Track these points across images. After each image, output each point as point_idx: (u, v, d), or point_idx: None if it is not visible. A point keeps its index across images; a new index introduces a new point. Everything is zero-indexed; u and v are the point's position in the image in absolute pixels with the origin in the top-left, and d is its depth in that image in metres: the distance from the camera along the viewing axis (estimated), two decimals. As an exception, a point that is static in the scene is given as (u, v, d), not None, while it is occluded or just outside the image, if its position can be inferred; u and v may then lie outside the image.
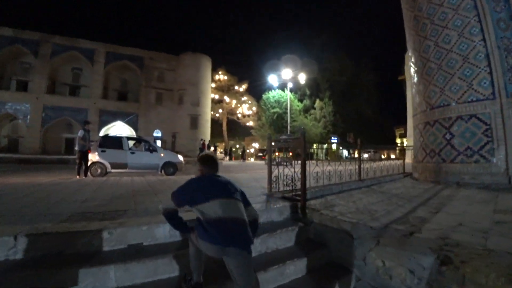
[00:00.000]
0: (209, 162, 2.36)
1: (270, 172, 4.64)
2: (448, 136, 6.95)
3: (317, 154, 40.98)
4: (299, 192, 4.16)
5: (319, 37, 46.16)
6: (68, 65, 28.30)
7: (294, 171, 4.46)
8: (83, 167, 8.39)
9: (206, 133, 32.36)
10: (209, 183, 2.16)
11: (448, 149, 6.93)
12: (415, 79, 8.04)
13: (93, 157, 8.97)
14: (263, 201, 4.19)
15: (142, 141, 10.68)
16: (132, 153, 9.63)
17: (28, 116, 25.21)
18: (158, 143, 29.17)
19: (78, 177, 8.10)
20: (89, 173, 8.60)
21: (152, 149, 10.20)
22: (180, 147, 29.12)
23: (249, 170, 13.33)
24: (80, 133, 8.30)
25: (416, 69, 7.93)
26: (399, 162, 9.78)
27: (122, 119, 28.30)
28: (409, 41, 8.36)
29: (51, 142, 26.70)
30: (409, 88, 20.83)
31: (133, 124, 28.57)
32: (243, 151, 32.92)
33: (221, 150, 45.00)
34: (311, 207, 3.98)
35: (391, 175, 8.14)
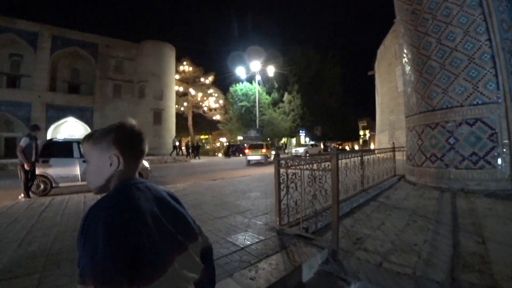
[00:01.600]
0: (136, 140, 0.97)
1: (279, 199, 3.47)
2: (451, 141, 6.36)
3: (286, 147, 40.96)
4: (311, 221, 3.29)
5: (286, 28, 45.29)
6: (5, 50, 24.12)
7: (303, 190, 3.39)
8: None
9: (171, 128, 30.15)
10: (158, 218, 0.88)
11: (452, 154, 6.35)
12: (412, 77, 7.34)
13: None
14: (277, 246, 3.04)
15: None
16: (84, 161, 7.88)
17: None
18: (118, 140, 26.58)
19: (26, 198, 6.48)
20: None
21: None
22: (143, 145, 26.89)
23: (223, 172, 12.30)
24: (23, 141, 6.44)
25: (413, 66, 7.22)
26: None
27: (74, 115, 25.11)
28: (405, 36, 7.61)
29: (-14, 143, 22.94)
30: (378, 83, 20.73)
31: (87, 121, 25.51)
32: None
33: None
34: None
35: (386, 180, 7.48)
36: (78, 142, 8.35)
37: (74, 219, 4.26)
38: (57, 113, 24.29)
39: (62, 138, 9.44)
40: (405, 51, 7.69)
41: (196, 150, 29.62)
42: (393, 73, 16.28)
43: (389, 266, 2.67)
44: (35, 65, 23.89)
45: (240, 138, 38.37)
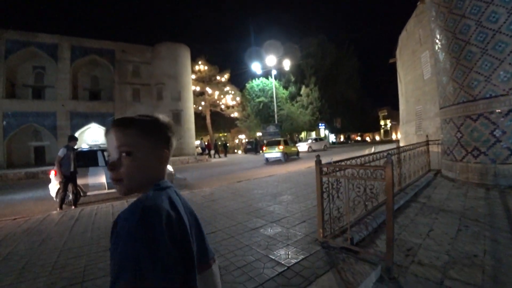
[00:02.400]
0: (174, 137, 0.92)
1: (322, 209, 3.15)
2: (497, 133, 5.75)
3: (306, 140, 40.37)
4: (354, 230, 3.02)
5: (300, 21, 44.40)
6: (28, 64, 25.03)
7: (347, 196, 3.06)
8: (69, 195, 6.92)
9: (190, 129, 30.32)
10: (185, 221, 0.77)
11: (498, 148, 5.74)
12: (447, 65, 6.71)
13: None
14: (324, 263, 2.73)
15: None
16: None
17: (-13, 127, 22.14)
18: (139, 143, 27.02)
19: (59, 209, 6.50)
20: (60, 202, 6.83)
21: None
22: (163, 147, 27.22)
23: (246, 171, 11.90)
24: (61, 152, 6.54)
25: (449, 53, 6.58)
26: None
27: (97, 121, 25.71)
28: (437, 20, 6.97)
29: (18, 153, 23.83)
30: (401, 72, 19.69)
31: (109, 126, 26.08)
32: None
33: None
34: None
35: (422, 176, 6.94)
36: (103, 150, 8.35)
37: (104, 234, 4.14)
38: (80, 121, 24.93)
39: (87, 147, 9.48)
40: (437, 36, 7.05)
41: (224, 148, 30.94)
42: (417, 60, 15.35)
43: (452, 285, 2.33)
44: (57, 76, 24.57)
45: (259, 134, 38.11)
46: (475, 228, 3.54)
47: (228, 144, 32.64)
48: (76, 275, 2.84)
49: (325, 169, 3.13)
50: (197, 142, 31.92)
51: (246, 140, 41.24)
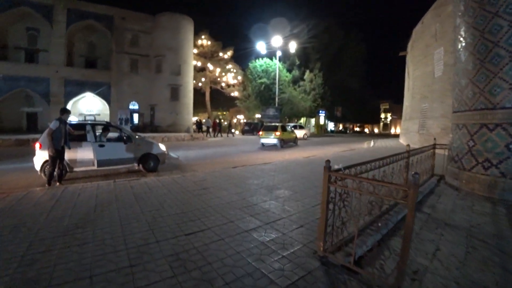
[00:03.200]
0: None
1: (325, 221, 2.76)
2: (513, 147, 5.32)
3: (305, 127, 39.90)
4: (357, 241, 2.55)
5: (310, 1, 42.59)
6: (21, 25, 23.79)
7: (341, 206, 2.69)
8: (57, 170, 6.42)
9: (188, 104, 29.64)
10: None
11: (511, 163, 5.35)
12: (470, 66, 6.12)
13: (45, 153, 6.65)
14: (324, 285, 2.39)
15: (112, 128, 8.40)
16: (101, 146, 7.41)
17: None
18: (135, 116, 26.42)
19: (47, 185, 6.12)
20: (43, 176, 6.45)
21: (126, 138, 8.03)
22: (160, 121, 26.54)
23: (242, 155, 11.38)
24: (53, 124, 6.07)
25: (473, 53, 5.97)
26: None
27: (92, 90, 24.89)
28: (465, 15, 6.30)
29: (9, 118, 23.14)
30: (411, 66, 18.98)
31: (104, 96, 25.28)
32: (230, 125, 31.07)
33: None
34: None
35: (426, 181, 6.52)
36: (92, 124, 7.84)
37: (82, 222, 3.75)
38: (75, 88, 24.14)
39: (76, 120, 9.04)
40: (462, 34, 6.43)
41: (228, 128, 30.37)
42: (430, 56, 14.61)
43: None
44: (51, 39, 23.54)
45: (258, 116, 37.51)
46: (484, 251, 3.20)
47: (224, 123, 31.97)
48: (42, 277, 2.46)
49: (334, 177, 2.71)
50: (194, 119, 31.39)
51: (245, 120, 40.68)
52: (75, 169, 7.48)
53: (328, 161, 2.70)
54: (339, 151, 13.66)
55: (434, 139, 7.50)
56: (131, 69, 26.21)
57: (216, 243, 3.13)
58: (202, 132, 26.86)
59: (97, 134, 8.03)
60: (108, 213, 4.11)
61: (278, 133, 16.48)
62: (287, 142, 17.66)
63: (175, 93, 27.52)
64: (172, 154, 12.33)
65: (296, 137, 19.44)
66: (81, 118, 26.30)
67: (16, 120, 23.85)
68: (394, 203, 4.39)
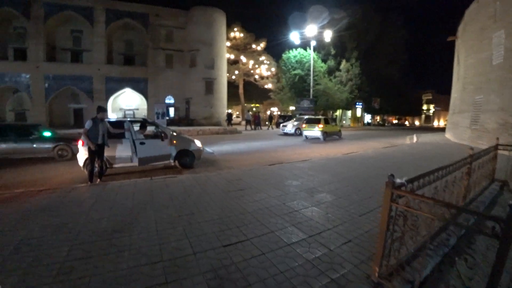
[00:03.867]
0: None
1: (383, 243, 2.35)
2: None
3: (340, 120, 38.41)
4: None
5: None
6: (66, 27, 25.38)
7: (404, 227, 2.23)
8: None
9: (222, 98, 29.78)
10: None
11: None
12: None
13: (86, 150, 6.81)
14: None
15: (149, 125, 8.46)
16: (142, 143, 7.45)
17: (30, 88, 23.19)
18: (171, 110, 27.07)
19: (89, 182, 6.24)
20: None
21: (162, 135, 8.03)
22: (194, 114, 26.95)
23: (278, 150, 10.94)
24: (87, 124, 6.16)
25: None
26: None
27: (130, 86, 25.90)
28: None
29: (58, 114, 24.97)
30: (462, 52, 17.13)
31: (142, 91, 26.19)
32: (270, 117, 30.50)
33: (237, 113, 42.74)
34: None
35: (485, 189, 5.62)
36: (131, 121, 7.93)
37: (119, 226, 3.67)
38: (115, 85, 25.26)
39: (115, 117, 9.29)
40: None
41: (269, 120, 30.04)
42: (486, 41, 12.92)
43: None
44: (93, 39, 24.74)
45: (292, 108, 36.75)
46: None
47: (272, 117, 31.21)
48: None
49: (398, 193, 2.26)
50: (228, 111, 31.52)
51: (279, 113, 40.06)
52: (115, 166, 7.65)
53: (392, 175, 2.25)
54: (379, 148, 12.76)
55: (497, 138, 6.52)
56: (166, 64, 26.83)
57: (257, 258, 2.84)
58: (231, 125, 26.81)
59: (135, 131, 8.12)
60: (144, 216, 4.00)
61: (321, 126, 16.52)
62: (330, 135, 17.55)
63: (209, 86, 27.73)
64: (208, 150, 12.31)
65: (340, 130, 19.13)
66: (121, 113, 27.61)
67: (64, 116, 25.60)
68: (452, 214, 3.79)
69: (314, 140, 16.67)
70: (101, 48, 24.80)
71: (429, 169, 2.80)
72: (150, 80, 26.14)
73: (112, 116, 26.05)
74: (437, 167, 2.91)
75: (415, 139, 16.90)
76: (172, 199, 4.76)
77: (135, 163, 7.43)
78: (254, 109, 50.91)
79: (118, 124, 7.82)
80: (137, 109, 27.83)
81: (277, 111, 43.90)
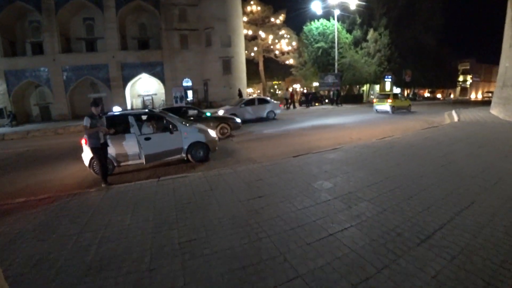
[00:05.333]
0: None
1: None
2: None
3: (368, 95, 35.78)
4: None
5: None
6: (79, 16, 24.92)
7: None
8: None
9: (241, 77, 28.52)
10: None
11: None
12: None
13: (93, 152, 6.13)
14: None
15: (157, 117, 7.60)
16: (147, 139, 6.63)
17: (50, 81, 23.29)
18: (189, 93, 26.34)
19: (103, 185, 5.68)
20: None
21: (172, 127, 7.20)
22: (213, 96, 26.00)
23: (307, 133, 9.47)
24: (86, 121, 5.45)
25: None
26: None
27: (147, 71, 25.26)
28: None
29: (80, 105, 25.04)
30: None
31: (158, 75, 25.50)
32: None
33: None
34: None
35: None
36: (135, 114, 7.12)
37: (108, 256, 2.89)
38: (131, 71, 24.77)
39: (118, 110, 8.57)
40: None
41: (306, 98, 27.89)
42: None
43: None
44: (105, 25, 24.07)
45: (315, 84, 34.68)
46: None
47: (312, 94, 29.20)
48: None
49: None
50: (250, 90, 30.12)
51: (303, 90, 38.05)
52: (122, 164, 7.01)
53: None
54: (418, 128, 11.17)
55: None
56: (181, 45, 25.75)
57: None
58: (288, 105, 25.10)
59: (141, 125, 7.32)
60: (140, 240, 3.24)
61: (390, 101, 18.74)
62: (399, 109, 19.27)
63: (227, 65, 26.50)
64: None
65: (410, 104, 20.69)
66: (139, 100, 27.28)
67: (86, 107, 25.52)
68: None
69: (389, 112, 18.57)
70: (113, 34, 24.11)
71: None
72: (166, 63, 25.31)
73: (129, 103, 25.81)
74: None
75: (455, 117, 14.92)
76: (176, 213, 3.97)
77: (143, 160, 6.69)
78: (290, 87, 49.06)
79: (122, 118, 7.07)
80: (155, 94, 27.37)
81: (300, 88, 41.92)
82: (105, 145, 5.88)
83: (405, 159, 6.13)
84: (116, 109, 9.72)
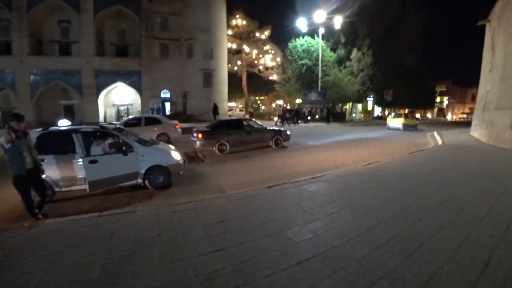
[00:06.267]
0: None
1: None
2: None
3: (350, 113, 35.86)
4: None
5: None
6: (53, 17, 23.39)
7: None
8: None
9: (223, 91, 27.59)
10: None
11: None
12: None
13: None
14: None
15: (109, 135, 6.42)
16: (93, 161, 5.44)
17: (15, 84, 21.48)
18: (167, 105, 25.12)
19: (34, 219, 4.41)
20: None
21: (126, 147, 6.07)
22: (192, 109, 24.84)
23: (288, 154, 9.04)
24: (2, 140, 4.09)
25: None
26: None
27: (123, 80, 23.89)
28: None
29: (48, 112, 23.17)
30: (500, 37, 14.56)
31: (135, 85, 24.15)
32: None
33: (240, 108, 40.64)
34: None
35: None
36: (82, 131, 5.90)
37: None
38: (106, 79, 23.36)
39: (66, 125, 7.38)
40: None
41: (296, 116, 26.16)
42: None
43: None
44: (81, 29, 22.75)
45: (299, 101, 34.29)
46: None
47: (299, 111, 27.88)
48: None
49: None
50: (232, 104, 29.12)
51: (285, 106, 37.47)
52: (65, 189, 5.79)
53: None
54: (405, 152, 10.50)
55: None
56: (161, 55, 24.62)
57: None
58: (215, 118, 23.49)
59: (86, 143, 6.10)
60: None
61: (402, 120, 21.41)
62: (409, 127, 21.60)
63: (208, 78, 25.56)
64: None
65: (416, 124, 23.26)
66: (114, 109, 25.77)
67: (55, 113, 23.79)
68: None
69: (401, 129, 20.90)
70: (90, 39, 22.74)
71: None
72: (144, 73, 24.06)
73: (102, 112, 24.21)
74: None
75: (439, 139, 14.57)
76: (101, 275, 2.80)
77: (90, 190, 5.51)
78: (282, 102, 48.38)
79: (65, 135, 5.88)
80: (131, 105, 25.95)
81: (283, 104, 41.53)
82: (35, 171, 4.59)
83: (397, 193, 5.27)
84: (63, 123, 8.50)
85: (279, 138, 12.19)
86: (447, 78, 59.95)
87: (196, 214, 4.40)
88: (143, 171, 6.13)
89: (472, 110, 58.10)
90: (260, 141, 11.96)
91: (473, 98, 60.73)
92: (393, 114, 26.55)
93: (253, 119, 14.52)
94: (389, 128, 22.11)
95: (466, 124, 26.44)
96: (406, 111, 53.68)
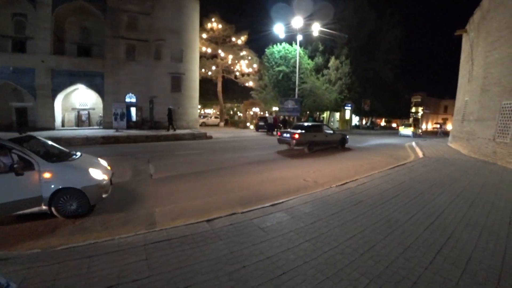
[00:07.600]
0: None
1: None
2: None
3: (328, 122, 35.34)
4: None
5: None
6: (7, 10, 20.92)
7: None
8: None
9: (193, 97, 25.89)
10: None
11: None
12: None
13: None
14: None
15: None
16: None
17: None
18: (133, 111, 23.18)
19: None
20: None
21: (22, 164, 4.48)
22: (159, 115, 22.92)
23: (250, 170, 7.16)
24: None
25: None
26: None
27: (84, 82, 21.73)
28: None
29: (-2, 114, 20.60)
30: (479, 48, 14.12)
31: (97, 87, 22.04)
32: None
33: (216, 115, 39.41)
34: None
35: None
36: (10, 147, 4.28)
37: None
38: (64, 80, 21.10)
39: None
40: None
41: (283, 124, 25.95)
42: None
43: None
44: (36, 24, 20.51)
45: (275, 109, 33.30)
46: None
47: (286, 120, 27.20)
48: None
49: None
50: (209, 111, 27.61)
51: (277, 115, 36.29)
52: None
53: None
54: (385, 167, 9.45)
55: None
56: (128, 56, 22.67)
57: None
58: (173, 127, 21.15)
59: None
60: None
61: (412, 128, 28.01)
62: (416, 135, 27.31)
63: (177, 82, 23.88)
64: (151, 168, 8.88)
65: (422, 131, 29.27)
66: (74, 114, 23.51)
67: (6, 116, 21.23)
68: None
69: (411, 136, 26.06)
70: (46, 36, 20.48)
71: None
72: (107, 75, 22.01)
73: (59, 117, 21.91)
74: None
75: (419, 151, 13.82)
76: None
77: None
78: (236, 107, 47.32)
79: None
80: (93, 109, 23.74)
81: (259, 112, 40.41)
82: None
83: (379, 232, 4.01)
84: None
85: (344, 139, 15.09)
86: (422, 89, 61.96)
87: (86, 268, 2.92)
88: (48, 195, 4.58)
89: (444, 120, 60.26)
90: (333, 142, 14.49)
91: (445, 109, 63.06)
92: (403, 125, 33.06)
93: (325, 125, 17.15)
94: (400, 135, 27.32)
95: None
96: (383, 120, 54.96)
